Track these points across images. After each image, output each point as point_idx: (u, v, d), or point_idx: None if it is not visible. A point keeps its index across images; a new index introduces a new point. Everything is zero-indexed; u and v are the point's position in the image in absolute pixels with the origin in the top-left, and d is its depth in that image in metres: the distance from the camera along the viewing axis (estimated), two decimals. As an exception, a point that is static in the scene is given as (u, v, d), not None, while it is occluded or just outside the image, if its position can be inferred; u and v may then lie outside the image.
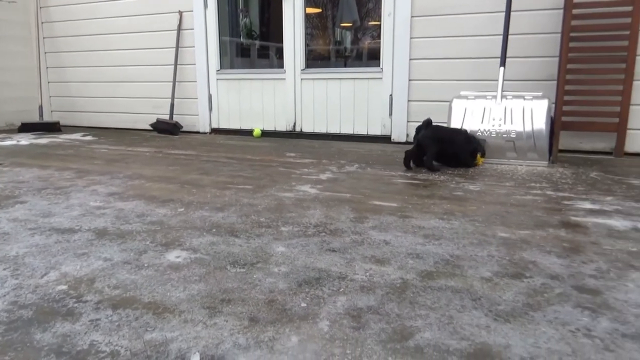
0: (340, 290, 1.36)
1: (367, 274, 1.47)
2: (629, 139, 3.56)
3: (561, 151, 3.62)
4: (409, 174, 2.96)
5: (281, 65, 4.69)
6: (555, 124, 3.42)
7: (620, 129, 3.50)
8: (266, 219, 2.04)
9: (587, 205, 2.24)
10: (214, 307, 1.27)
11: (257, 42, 5.86)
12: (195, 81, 5.00)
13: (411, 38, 4.09)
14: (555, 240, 1.76)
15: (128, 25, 5.22)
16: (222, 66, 4.98)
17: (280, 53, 4.73)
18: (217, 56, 4.93)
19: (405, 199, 2.36)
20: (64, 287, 1.39)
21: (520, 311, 1.22)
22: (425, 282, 1.40)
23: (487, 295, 1.31)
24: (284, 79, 4.66)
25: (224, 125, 5.02)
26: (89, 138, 4.81)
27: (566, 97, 3.52)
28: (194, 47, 4.93)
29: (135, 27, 5.18)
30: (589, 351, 1.04)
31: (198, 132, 5.10)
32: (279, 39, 4.67)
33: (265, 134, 4.82)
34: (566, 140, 3.70)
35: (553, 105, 3.46)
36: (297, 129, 4.71)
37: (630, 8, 3.36)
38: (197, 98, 5.03)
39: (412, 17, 4.05)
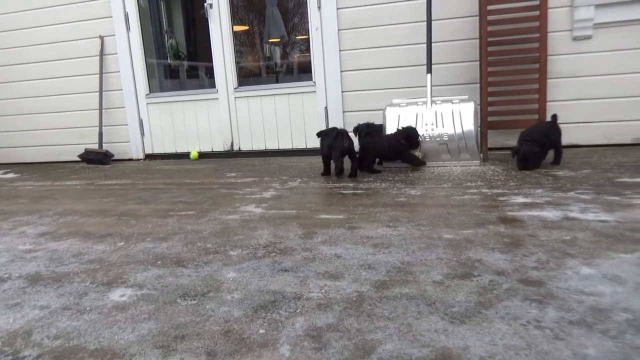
0: (298, 311, 1.34)
1: (323, 290, 1.46)
2: (549, 133, 3.81)
3: (490, 149, 3.81)
4: (351, 184, 3.00)
5: (213, 85, 4.62)
6: (482, 124, 3.60)
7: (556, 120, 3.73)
8: (213, 245, 1.98)
9: (521, 199, 2.37)
10: (168, 345, 1.20)
11: (185, 63, 5.74)
12: (124, 107, 4.81)
13: (340, 51, 4.17)
14: (496, 237, 1.84)
15: (46, 54, 4.93)
16: (151, 90, 4.83)
17: (210, 72, 4.66)
18: (144, 80, 4.77)
19: (351, 210, 2.38)
20: (-3, 344, 1.27)
21: (473, 311, 1.26)
22: (381, 293, 1.41)
23: (441, 299, 1.34)
24: (217, 98, 4.59)
25: (158, 150, 4.86)
26: (10, 175, 4.48)
27: (490, 99, 3.73)
28: (119, 72, 4.75)
29: (53, 54, 4.91)
30: (541, 342, 1.09)
31: (131, 160, 4.90)
32: (208, 58, 4.61)
33: (202, 155, 4.72)
34: (494, 139, 3.90)
35: (479, 107, 3.64)
36: (235, 148, 4.64)
37: (537, 12, 3.63)
38: (127, 124, 4.84)
39: (339, 30, 4.13)
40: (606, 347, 1.05)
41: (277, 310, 1.35)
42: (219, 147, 4.69)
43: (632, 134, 3.69)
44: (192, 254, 1.89)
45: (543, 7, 3.60)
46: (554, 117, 3.21)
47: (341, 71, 4.20)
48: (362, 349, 1.12)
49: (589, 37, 3.67)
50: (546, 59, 3.68)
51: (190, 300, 1.46)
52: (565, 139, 3.79)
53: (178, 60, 5.69)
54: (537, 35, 3.66)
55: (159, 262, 1.82)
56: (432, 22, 3.72)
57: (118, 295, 1.54)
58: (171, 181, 3.55)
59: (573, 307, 1.24)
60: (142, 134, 4.84)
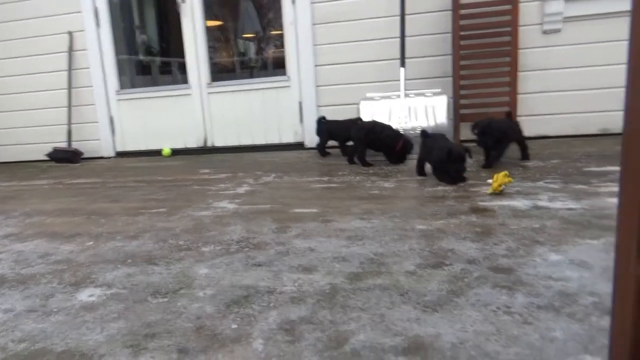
0: (271, 305, 1.33)
1: (296, 284, 1.45)
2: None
3: (463, 142, 3.86)
4: (325, 178, 2.99)
5: (185, 81, 4.55)
6: (455, 117, 3.64)
7: (512, 116, 3.79)
8: (185, 242, 1.95)
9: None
10: (138, 344, 1.18)
11: (158, 59, 5.64)
12: (94, 104, 4.69)
13: (314, 45, 4.15)
14: (468, 227, 1.86)
15: (12, 50, 4.77)
16: (122, 86, 4.72)
17: (183, 68, 4.59)
18: (115, 76, 4.67)
19: (325, 204, 2.37)
20: (-43, 348, 1.22)
21: (445, 299, 1.27)
22: (354, 284, 1.41)
23: (413, 289, 1.35)
24: (190, 94, 4.53)
25: (130, 147, 4.76)
26: (-26, 176, 4.33)
27: (462, 92, 3.77)
28: (88, 68, 4.63)
29: (20, 51, 4.76)
30: (510, 327, 1.10)
31: (102, 158, 4.79)
32: (181, 54, 4.54)
33: (175, 152, 4.64)
34: (466, 132, 3.94)
35: (452, 100, 3.68)
36: (209, 144, 4.59)
37: (509, 7, 3.68)
38: (97, 122, 4.73)
39: (313, 24, 4.12)
40: (573, 329, 1.07)
41: (250, 305, 1.33)
42: (192, 143, 4.62)
43: (598, 125, 3.79)
44: (163, 251, 1.85)
45: (514, 1, 3.65)
46: (509, 114, 3.13)
47: (315, 65, 4.18)
48: (336, 340, 1.11)
49: (558, 31, 3.74)
50: (517, 52, 3.74)
51: (161, 298, 1.43)
52: (536, 130, 3.88)
53: (150, 57, 5.59)
54: (509, 29, 3.72)
55: (129, 261, 1.78)
56: (406, 16, 3.74)
57: (86, 295, 1.50)
58: (143, 179, 3.48)
59: (541, 293, 1.26)
60: (113, 132, 4.74)
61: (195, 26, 4.40)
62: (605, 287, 1.26)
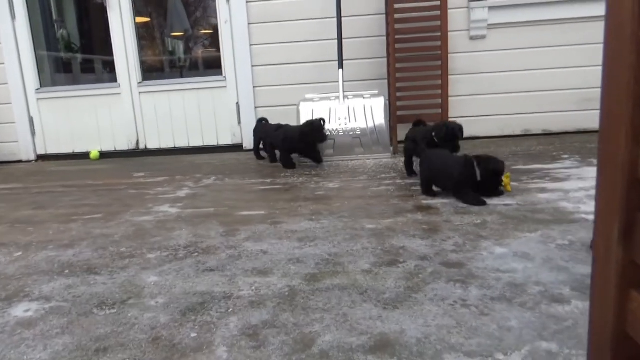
0: (230, 310, 1.29)
1: (253, 288, 1.42)
2: (451, 126, 4.07)
3: (400, 142, 3.97)
4: (268, 180, 2.96)
5: (114, 80, 4.31)
6: (392, 118, 3.75)
7: (444, 117, 3.98)
8: (128, 249, 1.84)
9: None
10: (88, 360, 1.10)
11: (79, 56, 5.30)
12: (10, 103, 4.32)
13: (251, 45, 4.10)
14: (415, 224, 1.92)
15: None
16: (42, 84, 4.38)
17: (109, 66, 4.35)
18: (34, 73, 4.32)
19: (272, 205, 2.35)
20: None
21: (404, 296, 1.30)
22: (313, 285, 1.41)
23: (372, 287, 1.37)
24: (119, 93, 4.30)
25: (53, 150, 4.43)
26: None
27: (398, 94, 3.88)
28: (4, 64, 4.25)
29: None
30: (469, 319, 1.15)
31: (20, 162, 4.42)
32: (105, 51, 4.29)
33: (104, 155, 4.38)
34: (402, 133, 4.07)
35: (388, 102, 3.78)
36: (142, 146, 4.38)
37: (439, 13, 3.84)
38: (14, 122, 4.35)
39: (249, 24, 4.06)
40: (526, 318, 1.14)
41: (207, 312, 1.29)
42: (122, 145, 4.39)
43: (521, 126, 4.06)
44: (104, 259, 1.74)
45: (444, 7, 3.82)
46: (420, 121, 3.17)
47: (252, 66, 4.13)
48: (302, 343, 1.10)
49: (483, 37, 3.97)
50: (447, 56, 3.91)
51: (109, 309, 1.35)
52: (466, 131, 4.07)
53: (71, 53, 5.23)
54: (439, 34, 3.88)
55: (67, 271, 1.65)
56: (342, 19, 3.79)
57: (22, 310, 1.38)
58: (71, 183, 3.26)
59: (492, 285, 1.32)
60: (33, 133, 4.39)
61: (124, 21, 4.19)
62: (548, 277, 1.35)
